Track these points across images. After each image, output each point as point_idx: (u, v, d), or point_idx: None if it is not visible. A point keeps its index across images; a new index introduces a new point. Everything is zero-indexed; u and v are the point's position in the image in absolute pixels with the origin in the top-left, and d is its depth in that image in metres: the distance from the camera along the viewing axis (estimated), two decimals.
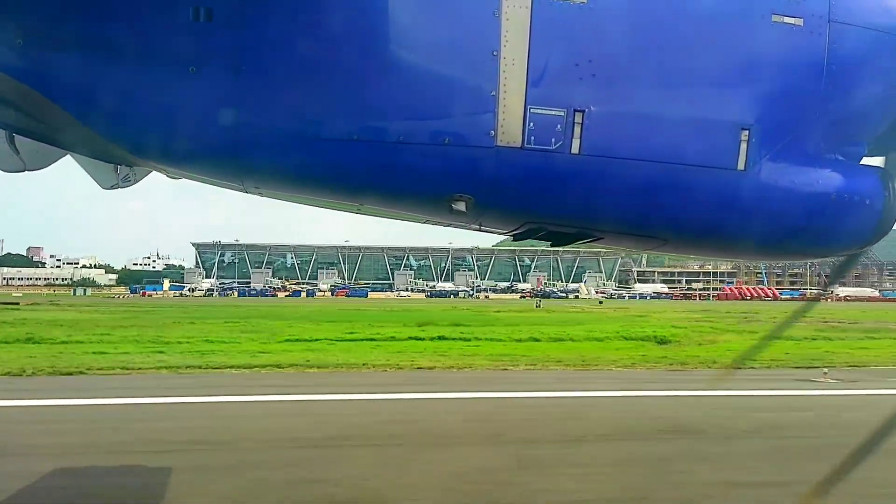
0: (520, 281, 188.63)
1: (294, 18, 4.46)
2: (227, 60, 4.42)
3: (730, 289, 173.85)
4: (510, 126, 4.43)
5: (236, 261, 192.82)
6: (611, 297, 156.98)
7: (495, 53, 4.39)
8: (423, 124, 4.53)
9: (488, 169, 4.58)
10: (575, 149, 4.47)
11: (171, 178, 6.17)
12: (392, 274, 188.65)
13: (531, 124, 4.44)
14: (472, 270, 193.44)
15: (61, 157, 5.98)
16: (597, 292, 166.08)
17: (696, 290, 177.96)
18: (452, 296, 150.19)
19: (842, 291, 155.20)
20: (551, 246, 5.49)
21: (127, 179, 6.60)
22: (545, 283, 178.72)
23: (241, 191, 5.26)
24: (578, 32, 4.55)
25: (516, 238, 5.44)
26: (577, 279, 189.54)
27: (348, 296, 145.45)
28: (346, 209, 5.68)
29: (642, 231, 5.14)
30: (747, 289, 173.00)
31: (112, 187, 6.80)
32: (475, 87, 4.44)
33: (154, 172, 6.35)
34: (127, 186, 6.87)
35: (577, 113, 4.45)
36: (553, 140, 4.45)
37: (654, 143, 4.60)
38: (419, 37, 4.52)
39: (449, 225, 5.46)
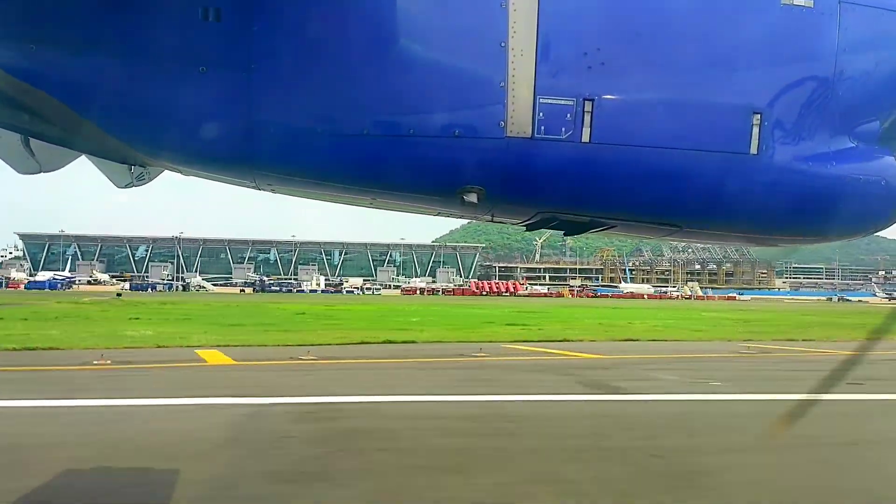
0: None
1: (302, 15, 4.48)
2: (237, 59, 4.44)
3: (474, 283, 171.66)
4: (520, 116, 4.43)
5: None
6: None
7: (503, 44, 4.38)
8: (432, 117, 4.55)
9: (499, 160, 4.59)
10: (585, 137, 4.46)
11: (185, 175, 6.22)
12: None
13: (541, 114, 4.44)
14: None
15: (76, 158, 6.05)
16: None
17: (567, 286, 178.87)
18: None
19: (625, 288, 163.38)
20: (564, 235, 5.49)
21: (141, 178, 6.62)
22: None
23: (253, 188, 5.32)
24: (586, 21, 4.55)
25: (529, 228, 5.45)
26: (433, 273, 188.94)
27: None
28: (359, 203, 5.73)
29: (655, 218, 5.14)
30: (488, 283, 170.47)
31: (127, 186, 6.86)
32: (484, 78, 4.45)
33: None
34: (141, 185, 6.89)
35: (586, 102, 4.44)
36: (563, 129, 4.45)
37: (665, 130, 4.59)
38: (427, 30, 4.53)
39: (461, 216, 5.48)
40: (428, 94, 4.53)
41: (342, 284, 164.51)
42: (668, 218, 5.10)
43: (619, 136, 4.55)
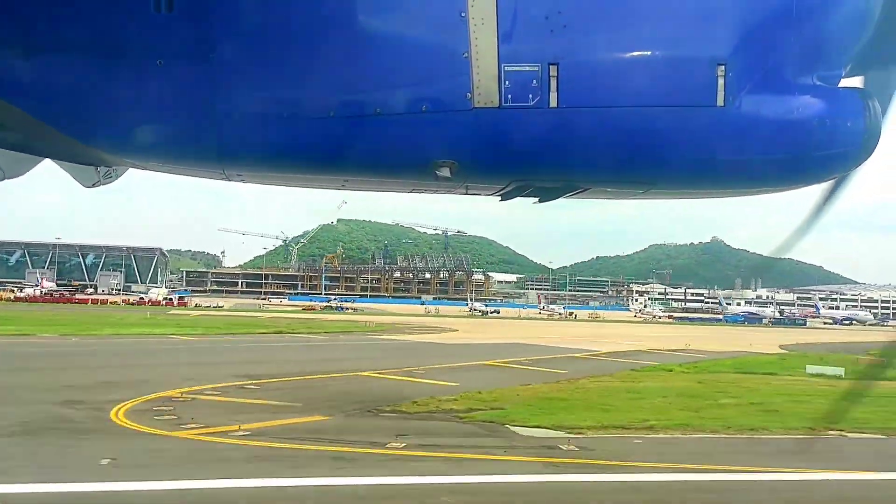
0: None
1: (257, 1, 4.44)
2: (194, 49, 4.38)
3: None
4: (486, 86, 4.42)
5: None
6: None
7: (463, 14, 4.36)
8: (398, 94, 4.52)
9: (469, 132, 4.58)
10: (553, 102, 4.45)
11: (152, 171, 5.92)
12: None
13: (507, 82, 4.42)
14: None
15: (40, 162, 5.89)
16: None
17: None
18: None
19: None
20: (539, 201, 5.49)
21: (108, 176, 6.47)
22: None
23: (223, 179, 5.24)
24: None
25: (504, 197, 5.43)
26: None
27: None
28: (332, 187, 5.69)
29: (628, 177, 5.14)
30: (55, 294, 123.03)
31: (94, 185, 6.68)
32: (447, 50, 4.42)
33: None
34: (109, 183, 6.74)
35: (551, 66, 4.43)
36: (530, 96, 4.44)
37: (632, 88, 4.58)
38: (385, 6, 4.50)
39: (436, 191, 5.46)
40: (391, 71, 4.50)
41: None
42: (640, 176, 5.10)
43: (585, 98, 4.53)
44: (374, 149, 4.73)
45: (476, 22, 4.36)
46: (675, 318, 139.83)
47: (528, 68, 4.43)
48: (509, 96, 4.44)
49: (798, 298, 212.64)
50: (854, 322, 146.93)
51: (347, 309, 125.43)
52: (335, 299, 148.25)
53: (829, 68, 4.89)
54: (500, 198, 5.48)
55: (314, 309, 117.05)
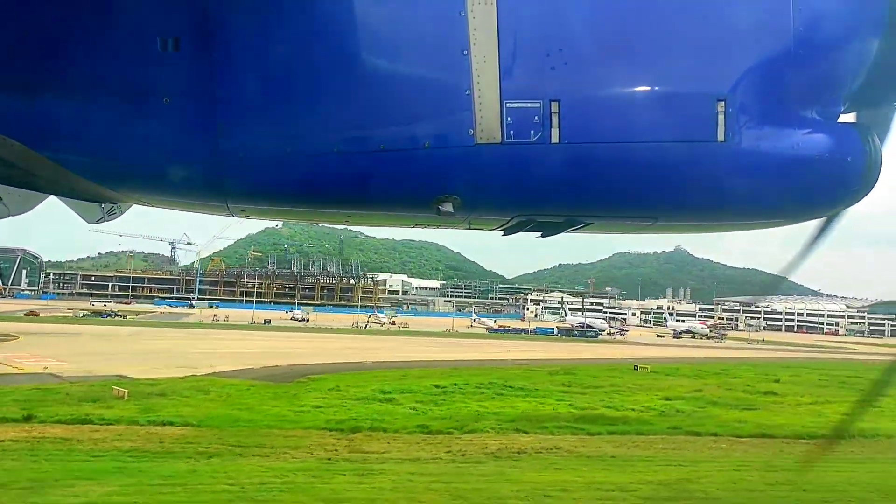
0: None
1: (262, 38, 4.46)
2: (200, 88, 4.41)
3: None
4: (488, 123, 4.45)
5: None
6: None
7: (465, 52, 4.40)
8: (402, 130, 4.54)
9: (471, 167, 4.60)
10: (555, 138, 4.48)
11: (157, 207, 5.97)
12: None
13: (509, 119, 4.45)
14: None
15: (45, 199, 5.95)
16: None
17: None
18: None
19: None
20: (542, 236, 5.48)
21: (112, 212, 6.47)
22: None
23: (227, 215, 5.26)
24: (546, 22, 4.56)
25: (507, 232, 5.43)
26: None
27: None
28: (335, 221, 5.70)
29: (630, 212, 5.16)
30: None
31: (98, 221, 6.68)
32: (450, 87, 4.46)
33: None
34: (113, 219, 6.75)
35: (553, 103, 4.46)
36: (532, 132, 4.46)
37: (633, 124, 4.61)
38: (388, 44, 4.52)
39: (438, 226, 5.46)
40: (395, 108, 4.52)
41: None
42: (642, 211, 5.12)
43: (587, 134, 4.56)
44: (377, 185, 4.74)
45: (478, 59, 4.40)
46: (493, 329, 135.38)
47: (530, 104, 4.47)
48: (511, 132, 4.47)
49: (700, 310, 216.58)
50: (694, 335, 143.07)
51: (111, 315, 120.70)
52: (108, 304, 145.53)
53: (828, 104, 4.93)
54: (502, 232, 5.47)
55: (37, 315, 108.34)
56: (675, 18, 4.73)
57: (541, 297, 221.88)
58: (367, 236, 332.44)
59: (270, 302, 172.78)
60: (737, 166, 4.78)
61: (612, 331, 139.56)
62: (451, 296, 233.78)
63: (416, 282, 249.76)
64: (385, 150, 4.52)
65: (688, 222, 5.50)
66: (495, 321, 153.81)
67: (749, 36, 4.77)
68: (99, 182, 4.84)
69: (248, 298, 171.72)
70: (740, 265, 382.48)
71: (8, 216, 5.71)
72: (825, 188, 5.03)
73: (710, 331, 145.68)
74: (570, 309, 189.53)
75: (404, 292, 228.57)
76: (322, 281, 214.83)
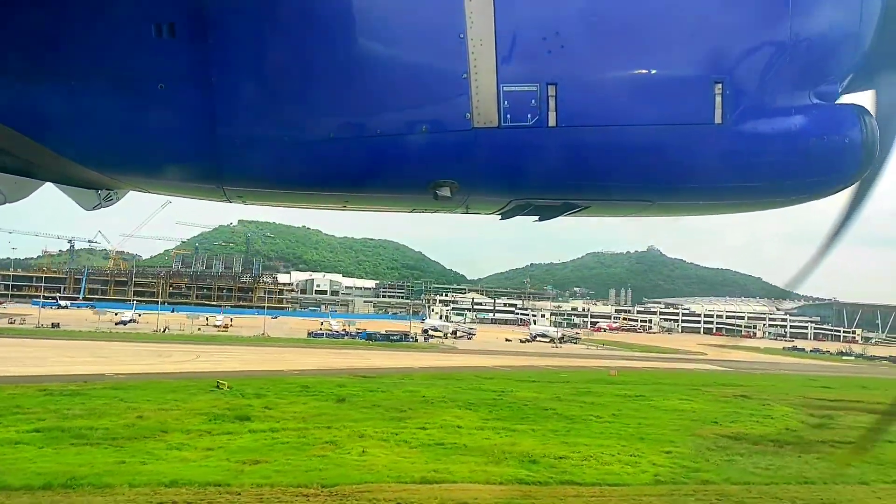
0: None
1: (258, 23, 4.42)
2: (195, 73, 4.39)
3: None
4: (485, 106, 4.44)
5: None
6: None
7: (462, 36, 4.39)
8: (399, 115, 4.54)
9: (468, 152, 4.60)
10: (552, 122, 4.48)
11: (153, 193, 5.93)
12: None
13: (506, 102, 4.45)
14: None
15: (41, 186, 5.87)
16: None
17: None
18: None
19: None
20: (540, 220, 5.49)
21: (109, 199, 6.42)
22: None
23: (224, 202, 5.22)
24: (542, 5, 4.56)
25: (504, 216, 5.43)
26: None
27: None
28: (332, 207, 5.67)
29: (628, 195, 5.16)
30: None
31: (95, 208, 6.57)
32: (446, 71, 4.45)
33: None
34: (109, 205, 6.64)
35: (550, 86, 4.46)
36: (529, 116, 4.47)
37: (630, 106, 4.62)
38: (385, 29, 4.50)
39: (436, 211, 5.45)
40: (392, 93, 4.51)
41: None
42: (640, 194, 5.12)
43: (585, 117, 4.56)
44: (374, 169, 4.73)
45: (475, 43, 4.39)
46: (337, 333, 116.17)
47: (527, 88, 4.47)
48: (508, 116, 4.47)
49: (616, 312, 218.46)
50: (552, 339, 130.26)
51: None
52: None
53: (825, 85, 4.93)
54: (500, 217, 5.49)
55: None
56: (671, 0, 4.72)
57: (452, 299, 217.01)
58: (325, 234, 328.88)
59: (161, 302, 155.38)
60: (734, 148, 4.80)
61: (456, 333, 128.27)
62: (384, 296, 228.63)
63: (349, 281, 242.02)
64: (382, 134, 4.51)
65: (686, 204, 5.51)
66: (349, 323, 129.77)
67: (745, 17, 4.77)
68: (95, 168, 4.81)
69: (139, 299, 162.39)
70: (713, 265, 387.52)
71: (4, 203, 5.67)
72: (822, 169, 5.04)
73: (562, 336, 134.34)
74: (477, 310, 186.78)
75: (334, 293, 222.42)
76: (222, 282, 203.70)
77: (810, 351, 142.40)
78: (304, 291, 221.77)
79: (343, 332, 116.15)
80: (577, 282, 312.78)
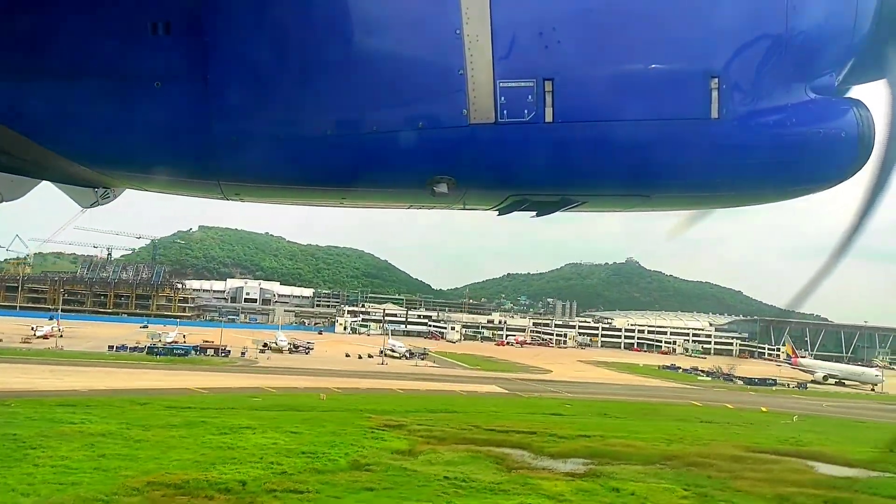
0: None
1: (254, 21, 4.43)
2: (192, 71, 4.39)
3: None
4: (482, 103, 4.45)
5: None
6: None
7: (458, 32, 4.39)
8: (395, 111, 4.55)
9: (465, 148, 4.60)
10: (549, 117, 4.48)
11: (150, 191, 5.86)
12: None
13: (502, 98, 4.45)
14: None
15: (38, 185, 5.85)
16: None
17: None
18: None
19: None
20: (537, 215, 5.47)
21: (106, 196, 6.34)
22: None
23: (220, 199, 5.22)
24: (538, 1, 4.57)
25: (501, 212, 5.41)
26: None
27: None
28: (329, 204, 5.65)
29: (625, 190, 5.18)
30: None
31: (92, 206, 6.54)
32: (443, 68, 4.45)
33: None
34: (107, 203, 6.58)
35: (546, 82, 4.46)
36: (526, 112, 4.47)
37: (626, 102, 4.62)
38: (381, 26, 4.51)
39: (433, 207, 5.46)
40: (388, 89, 4.51)
41: None
42: (637, 189, 5.13)
43: (581, 112, 4.57)
44: (371, 166, 4.75)
45: (471, 39, 4.40)
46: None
47: (523, 84, 4.47)
48: (505, 112, 4.47)
49: (534, 325, 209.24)
50: (397, 354, 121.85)
51: None
52: None
53: (821, 79, 4.92)
54: (497, 213, 5.47)
55: None
56: None
57: (364, 309, 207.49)
58: (288, 242, 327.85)
59: (54, 309, 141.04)
60: (730, 143, 4.80)
61: (296, 347, 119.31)
62: (319, 305, 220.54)
63: (286, 290, 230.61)
64: (379, 131, 4.53)
65: (683, 199, 5.52)
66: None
67: (742, 13, 4.77)
68: (92, 166, 4.84)
69: (33, 306, 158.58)
70: (692, 278, 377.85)
71: (1, 202, 5.62)
72: (818, 164, 5.05)
73: (410, 351, 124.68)
74: (389, 321, 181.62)
75: (265, 301, 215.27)
76: (119, 289, 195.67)
77: (685, 370, 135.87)
78: (233, 300, 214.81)
79: (174, 345, 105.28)
80: (553, 293, 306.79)
